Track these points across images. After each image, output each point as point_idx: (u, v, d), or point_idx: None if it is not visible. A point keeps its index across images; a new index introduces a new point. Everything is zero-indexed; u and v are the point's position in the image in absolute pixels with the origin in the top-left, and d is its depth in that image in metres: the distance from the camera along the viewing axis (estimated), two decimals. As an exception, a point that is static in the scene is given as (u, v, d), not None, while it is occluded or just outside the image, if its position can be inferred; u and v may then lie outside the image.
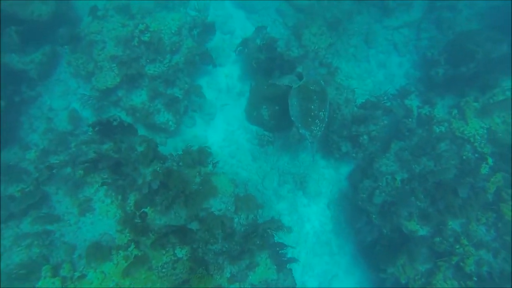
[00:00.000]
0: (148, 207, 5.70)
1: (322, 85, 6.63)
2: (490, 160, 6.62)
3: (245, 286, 5.70)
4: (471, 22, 8.96)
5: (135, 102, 6.97)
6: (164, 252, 5.34)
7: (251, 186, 7.39)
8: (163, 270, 5.17)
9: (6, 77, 6.66)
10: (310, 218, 7.54)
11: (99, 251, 5.20)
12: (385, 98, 7.73)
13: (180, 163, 6.51)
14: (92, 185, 5.69)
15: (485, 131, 6.98)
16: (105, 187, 5.74)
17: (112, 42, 7.07)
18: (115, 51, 6.93)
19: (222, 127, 7.70)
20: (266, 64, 7.35)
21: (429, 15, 8.96)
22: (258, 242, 6.04)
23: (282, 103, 7.32)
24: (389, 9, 8.54)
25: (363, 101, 7.50)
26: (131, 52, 6.83)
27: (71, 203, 5.57)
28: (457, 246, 5.94)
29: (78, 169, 5.82)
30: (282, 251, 6.45)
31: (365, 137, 7.08)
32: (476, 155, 6.83)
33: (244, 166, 7.55)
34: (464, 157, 6.81)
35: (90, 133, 6.36)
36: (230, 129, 7.70)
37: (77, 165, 5.85)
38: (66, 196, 5.61)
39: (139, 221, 5.48)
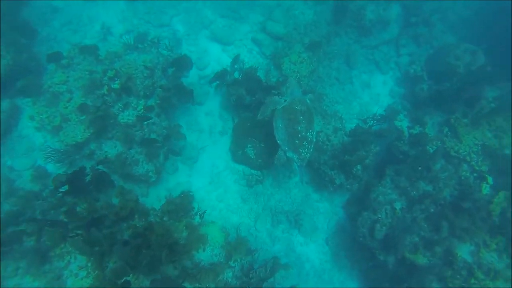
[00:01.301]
0: (131, 275, 5.11)
1: (308, 104, 6.32)
2: (489, 179, 6.35)
3: None
4: (446, 35, 8.94)
5: (110, 155, 6.39)
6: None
7: (244, 230, 6.86)
8: None
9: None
10: (309, 257, 7.04)
11: None
12: (374, 121, 7.45)
13: (165, 218, 5.99)
14: (62, 258, 5.03)
15: (479, 147, 6.74)
16: (78, 257, 5.12)
17: (79, 92, 6.54)
18: (83, 102, 6.40)
19: (206, 170, 7.19)
20: (247, 99, 6.95)
21: (406, 31, 8.85)
22: (256, 298, 5.55)
23: (267, 139, 6.93)
24: (366, 29, 8.36)
25: (352, 127, 7.16)
26: (101, 101, 6.31)
27: (35, 282, 4.85)
28: (473, 281, 5.54)
29: (45, 239, 5.16)
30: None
31: (358, 167, 6.71)
32: (475, 174, 6.55)
33: (234, 209, 7.04)
34: (462, 177, 6.52)
35: (60, 195, 5.77)
36: (215, 172, 7.20)
37: (43, 234, 5.20)
38: (28, 274, 4.89)
39: (122, 293, 4.88)
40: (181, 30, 8.20)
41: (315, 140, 6.31)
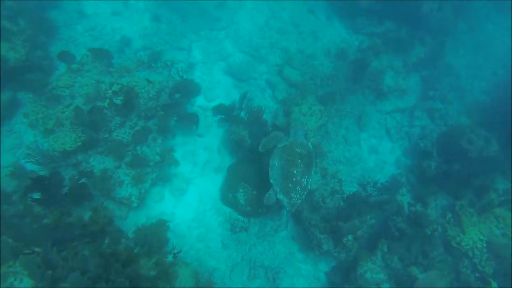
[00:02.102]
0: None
1: (310, 149, 5.99)
2: (494, 284, 5.75)
3: None
4: (461, 115, 8.69)
5: (96, 170, 6.00)
6: None
7: (217, 277, 6.26)
8: None
9: None
10: (280, 323, 6.37)
11: None
12: (375, 189, 7.02)
13: (136, 250, 5.47)
14: (5, 279, 4.44)
15: (484, 244, 6.21)
16: (26, 280, 4.56)
17: (81, 99, 6.28)
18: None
19: (193, 205, 6.72)
20: (248, 141, 6.62)
21: (422, 103, 8.62)
22: None
23: (261, 188, 6.53)
24: (383, 93, 8.14)
25: (351, 192, 6.72)
26: (99, 114, 6.01)
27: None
28: None
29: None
30: None
31: (349, 238, 6.20)
32: (477, 274, 5.96)
33: (213, 253, 6.48)
34: (462, 274, 5.94)
35: (30, 201, 5.32)
36: (201, 209, 6.72)
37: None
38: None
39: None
40: (197, 57, 8.05)
41: (309, 187, 5.92)
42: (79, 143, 5.91)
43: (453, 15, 9.00)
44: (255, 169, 6.61)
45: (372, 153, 8.10)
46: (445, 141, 7.82)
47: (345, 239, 6.19)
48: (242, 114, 7.04)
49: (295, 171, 5.72)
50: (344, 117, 7.93)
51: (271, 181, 5.85)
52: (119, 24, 8.04)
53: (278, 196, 5.85)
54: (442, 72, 8.70)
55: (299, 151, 5.83)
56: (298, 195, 5.77)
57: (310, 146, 6.08)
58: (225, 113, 7.09)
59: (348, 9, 9.03)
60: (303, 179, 5.77)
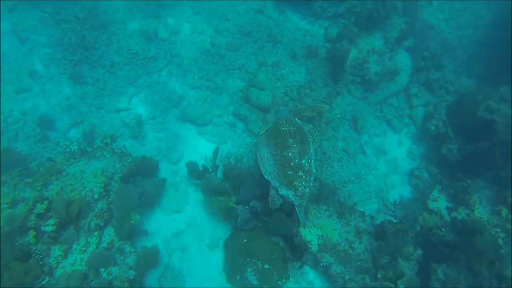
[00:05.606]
0: None
1: (299, 124, 4.55)
2: None
3: None
4: (461, 76, 6.92)
5: (53, 323, 4.07)
6: None
7: None
8: None
9: None
10: None
11: None
12: (398, 207, 5.37)
13: None
14: None
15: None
16: None
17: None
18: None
19: (197, 302, 4.91)
20: (238, 208, 4.75)
21: (416, 78, 6.82)
22: None
23: (273, 257, 4.76)
24: (373, 84, 6.29)
25: (379, 224, 5.00)
26: (27, 258, 3.98)
27: None
28: None
29: None
30: None
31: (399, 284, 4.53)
32: None
33: None
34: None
35: None
36: (208, 305, 4.92)
37: None
38: None
39: None
40: (143, 113, 5.95)
41: (314, 170, 4.38)
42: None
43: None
44: (258, 236, 4.80)
45: (379, 154, 6.33)
46: (459, 116, 6.12)
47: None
48: (219, 174, 5.11)
49: (290, 154, 4.25)
50: (337, 127, 6.07)
51: (265, 177, 4.33)
52: (30, 103, 5.83)
53: (280, 193, 4.29)
54: (424, 35, 6.87)
55: (286, 129, 4.40)
56: (303, 182, 4.25)
57: (298, 121, 4.61)
58: (199, 178, 5.17)
59: (299, -5, 7.00)
60: (303, 161, 4.27)
